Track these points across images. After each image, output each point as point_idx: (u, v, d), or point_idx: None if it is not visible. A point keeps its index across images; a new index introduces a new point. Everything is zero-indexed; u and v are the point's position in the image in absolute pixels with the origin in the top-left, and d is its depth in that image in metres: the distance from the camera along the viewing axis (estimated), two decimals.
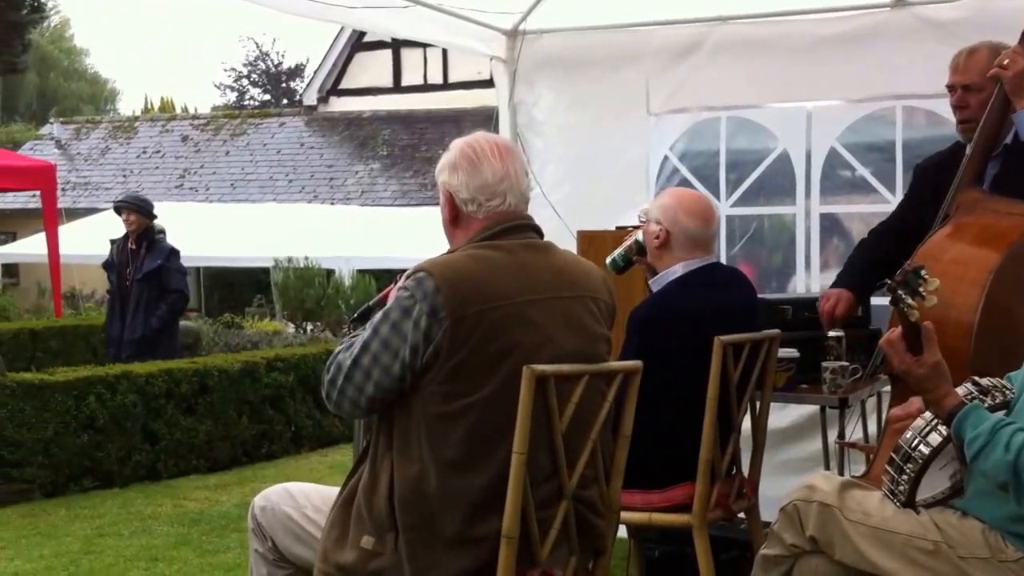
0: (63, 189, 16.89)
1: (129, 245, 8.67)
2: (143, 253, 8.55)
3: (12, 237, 19.53)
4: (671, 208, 3.71)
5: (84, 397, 6.85)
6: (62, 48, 45.93)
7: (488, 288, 2.62)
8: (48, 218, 13.61)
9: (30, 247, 16.99)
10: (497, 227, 2.75)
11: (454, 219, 2.83)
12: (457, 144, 2.85)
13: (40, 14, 19.85)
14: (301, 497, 3.27)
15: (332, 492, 3.19)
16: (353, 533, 2.76)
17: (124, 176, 22.59)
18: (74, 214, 17.59)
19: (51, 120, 27.18)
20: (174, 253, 8.84)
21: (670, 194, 3.81)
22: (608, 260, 3.96)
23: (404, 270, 2.78)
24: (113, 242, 8.97)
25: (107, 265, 8.95)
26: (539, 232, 2.84)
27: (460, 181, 2.78)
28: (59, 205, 13.95)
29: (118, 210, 8.73)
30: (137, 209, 8.68)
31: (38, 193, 14.73)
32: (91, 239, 16.65)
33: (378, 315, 2.73)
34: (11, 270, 19.01)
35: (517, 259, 2.71)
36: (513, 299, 2.64)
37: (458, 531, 2.62)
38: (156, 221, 8.91)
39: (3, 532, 5.90)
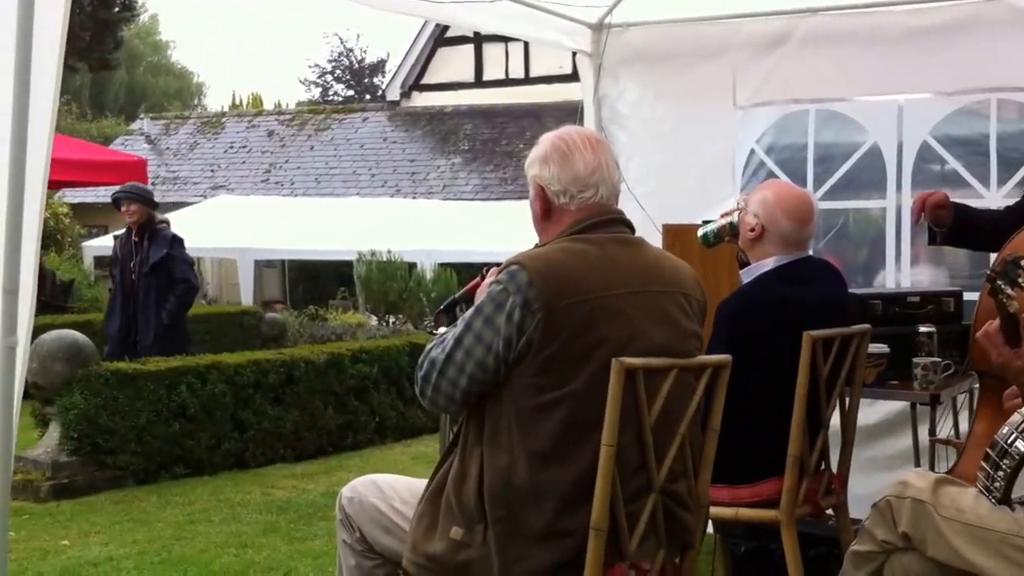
0: (152, 183, 17.16)
1: (132, 238, 8.24)
2: (147, 245, 8.10)
3: (104, 231, 19.94)
4: (771, 205, 3.68)
5: (176, 386, 6.99)
6: (148, 43, 46.74)
7: (580, 281, 2.63)
8: None
9: None
10: (589, 220, 2.76)
11: (545, 213, 2.84)
12: (547, 137, 2.86)
13: (131, 12, 20.24)
14: (388, 489, 3.29)
15: (419, 484, 3.21)
16: (442, 524, 2.78)
17: (212, 171, 22.97)
18: (164, 208, 17.88)
19: (141, 116, 27.74)
20: (178, 241, 8.32)
21: (772, 189, 3.76)
22: (700, 232, 3.96)
23: (485, 264, 2.80)
24: (116, 237, 8.68)
25: (111, 261, 8.60)
26: (630, 227, 2.84)
27: (552, 174, 2.79)
28: None
29: (117, 202, 8.23)
30: (138, 198, 8.20)
31: None
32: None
33: (469, 310, 2.75)
34: (102, 263, 19.40)
35: (608, 253, 2.71)
36: (604, 293, 2.65)
37: (547, 523, 2.63)
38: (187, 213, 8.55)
39: (97, 518, 6.04)
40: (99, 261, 18.87)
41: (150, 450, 6.85)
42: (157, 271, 7.99)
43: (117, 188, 8.38)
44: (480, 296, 2.77)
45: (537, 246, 2.84)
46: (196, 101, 47.36)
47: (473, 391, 2.71)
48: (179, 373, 7.06)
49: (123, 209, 8.15)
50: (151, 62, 46.57)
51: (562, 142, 2.82)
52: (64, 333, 6.89)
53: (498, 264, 2.80)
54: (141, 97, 42.74)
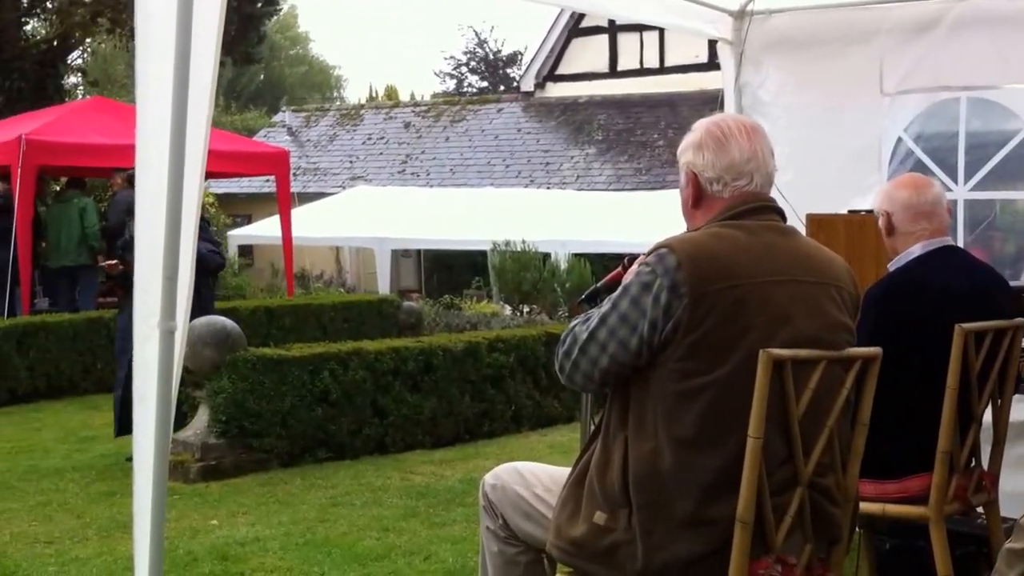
0: (294, 174, 17.57)
1: None
2: None
3: (247, 220, 20.49)
4: (884, 190, 3.77)
5: (318, 372, 7.15)
6: (288, 36, 47.73)
7: (730, 267, 2.60)
8: (282, 202, 14.27)
9: (264, 230, 17.81)
10: (741, 207, 2.73)
11: (696, 199, 2.81)
12: (702, 124, 2.84)
13: (274, 7, 20.70)
14: (531, 476, 3.31)
15: (561, 472, 3.23)
16: (586, 509, 2.79)
17: (350, 162, 23.39)
18: (304, 198, 18.32)
19: (283, 108, 28.40)
20: (204, 220, 7.24)
21: (890, 181, 3.79)
22: None
23: (620, 254, 2.79)
24: (129, 215, 8.33)
25: (125, 245, 7.42)
26: (782, 215, 2.81)
27: (706, 160, 2.77)
28: (291, 189, 14.60)
29: (131, 179, 7.42)
30: None
31: (272, 178, 15.44)
32: (320, 222, 17.37)
33: (618, 290, 2.75)
34: (247, 251, 19.95)
35: (760, 240, 2.68)
36: (754, 279, 2.62)
37: (692, 511, 2.62)
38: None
39: (244, 499, 6.22)
40: (243, 250, 19.42)
41: (294, 434, 7.02)
42: None
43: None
44: (628, 278, 2.76)
45: (688, 231, 2.82)
46: (334, 94, 48.26)
47: (612, 372, 2.71)
48: (322, 359, 7.22)
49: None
50: (290, 55, 47.56)
51: (717, 128, 2.79)
52: (213, 319, 7.10)
53: (638, 254, 2.80)
54: (280, 90, 43.71)
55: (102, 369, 10.21)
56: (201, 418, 6.91)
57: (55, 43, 17.57)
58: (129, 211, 12.58)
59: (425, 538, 5.33)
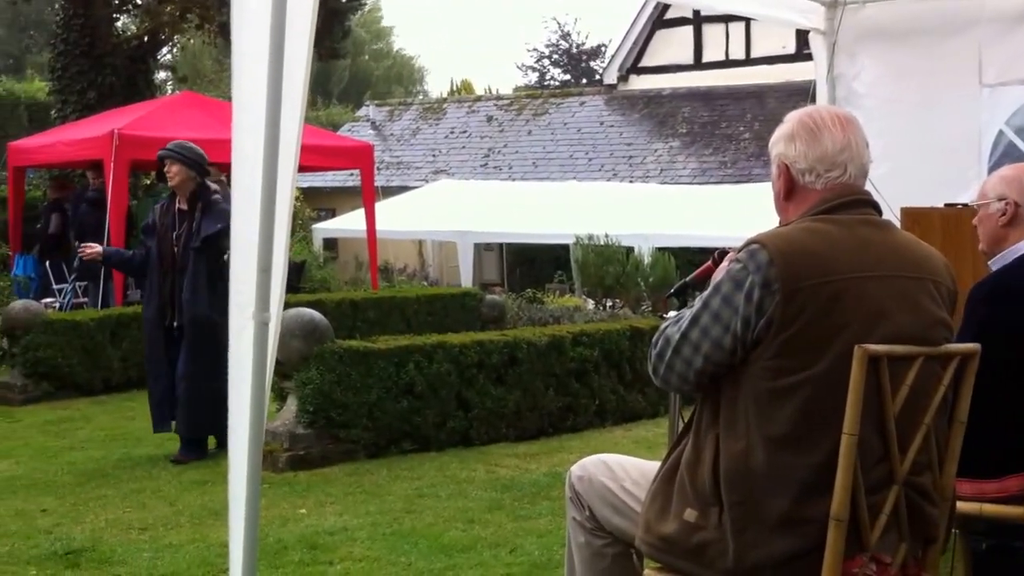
0: (377, 168, 17.73)
1: (177, 205, 7.20)
2: (198, 216, 7.08)
3: (332, 214, 20.73)
4: (1010, 176, 3.56)
5: (404, 364, 7.20)
6: (372, 31, 48.15)
7: (824, 262, 2.57)
8: (366, 195, 14.42)
9: (348, 223, 18.01)
10: (835, 200, 2.69)
11: (788, 192, 2.78)
12: (794, 115, 2.81)
13: (358, 1, 20.90)
14: (619, 469, 3.31)
15: (650, 466, 3.22)
16: (676, 506, 2.78)
17: (433, 155, 23.52)
18: (388, 192, 18.52)
19: (367, 103, 28.64)
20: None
21: (1013, 168, 3.61)
22: None
23: (704, 248, 2.77)
24: (156, 200, 7.88)
25: (147, 229, 7.40)
26: (877, 209, 2.76)
27: (798, 151, 2.74)
28: (375, 183, 14.74)
29: (161, 160, 7.21)
30: (181, 159, 7.12)
31: (356, 172, 15.60)
32: (403, 216, 17.50)
33: (708, 289, 2.73)
34: (331, 244, 20.17)
35: (855, 234, 2.65)
36: (849, 275, 2.59)
37: (786, 511, 2.59)
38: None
39: (332, 488, 6.29)
40: (328, 243, 19.64)
41: (380, 425, 7.08)
42: (210, 247, 7.00)
43: (167, 147, 7.25)
44: (719, 276, 2.74)
45: (779, 226, 2.79)
46: (417, 87, 48.58)
47: (707, 372, 2.69)
48: (407, 352, 7.27)
49: (165, 169, 7.21)
50: (373, 49, 47.96)
51: (810, 119, 2.76)
52: (302, 311, 7.19)
53: (727, 248, 2.78)
54: (364, 84, 44.12)
55: None
56: (290, 408, 7.00)
57: (145, 39, 17.90)
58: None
59: (510, 531, 5.35)
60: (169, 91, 25.13)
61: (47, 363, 9.48)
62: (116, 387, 9.88)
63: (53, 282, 13.84)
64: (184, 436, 7.20)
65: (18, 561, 4.99)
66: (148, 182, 14.74)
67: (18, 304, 9.99)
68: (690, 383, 2.75)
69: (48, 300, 12.56)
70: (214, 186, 7.37)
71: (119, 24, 17.99)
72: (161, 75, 23.96)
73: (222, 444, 6.70)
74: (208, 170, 7.33)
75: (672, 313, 3.67)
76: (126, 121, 12.64)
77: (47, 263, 13.95)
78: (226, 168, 13.77)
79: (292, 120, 3.19)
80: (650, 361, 2.84)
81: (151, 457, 7.24)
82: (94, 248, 7.53)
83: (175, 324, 7.18)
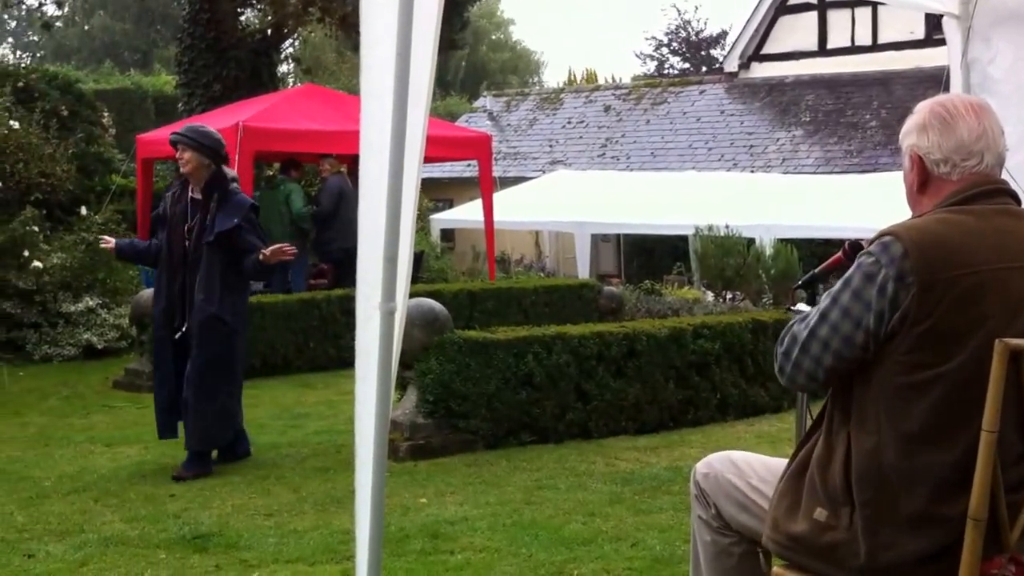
0: (495, 158, 17.77)
1: (190, 194, 6.54)
2: (213, 207, 6.43)
3: (449, 204, 20.86)
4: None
5: (523, 355, 7.19)
6: (492, 22, 48.47)
7: (960, 254, 2.50)
8: (484, 186, 14.46)
9: (465, 214, 18.09)
10: (971, 190, 2.61)
11: (922, 184, 2.71)
12: (925, 105, 2.73)
13: None
14: (745, 466, 3.26)
15: (777, 463, 3.16)
16: (805, 504, 2.73)
17: (550, 146, 23.50)
18: (504, 182, 18.54)
19: (484, 93, 28.76)
20: (255, 210, 6.64)
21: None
22: None
23: (829, 240, 2.70)
24: (168, 188, 7.04)
25: (157, 219, 6.81)
26: (1016, 198, 2.67)
27: (932, 142, 2.66)
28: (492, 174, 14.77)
29: (174, 144, 6.55)
30: (193, 144, 6.46)
31: (473, 162, 15.66)
32: (520, 206, 17.51)
33: (836, 284, 2.67)
34: (448, 235, 20.31)
35: (991, 225, 2.57)
36: (988, 267, 2.51)
37: (919, 509, 2.53)
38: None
39: (451, 478, 6.32)
40: (445, 234, 19.78)
41: (499, 416, 7.09)
42: (222, 243, 6.39)
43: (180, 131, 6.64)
44: (850, 271, 2.68)
45: (913, 218, 2.72)
46: (534, 78, 48.69)
47: (838, 369, 2.63)
48: (526, 343, 7.26)
49: (176, 155, 6.59)
50: (492, 40, 48.23)
51: (943, 108, 2.67)
52: (423, 301, 7.23)
53: (859, 240, 2.71)
54: (481, 74, 44.38)
55: (314, 348, 10.59)
56: (410, 398, 7.05)
57: (269, 33, 18.24)
58: (342, 196, 12.86)
59: (631, 525, 5.30)
60: (292, 83, 25.58)
61: None
62: None
63: None
64: (191, 448, 6.56)
65: (148, 544, 5.12)
66: (271, 173, 15.02)
67: (146, 293, 10.25)
68: (818, 381, 2.70)
69: None
70: (231, 173, 6.74)
71: (243, 18, 18.34)
72: (283, 67, 24.39)
73: (225, 456, 6.80)
74: (226, 156, 6.64)
75: (800, 305, 3.60)
76: (250, 113, 12.88)
77: None
78: (346, 159, 14.03)
79: (418, 110, 3.20)
80: (776, 360, 2.80)
81: (274, 444, 7.38)
82: (108, 241, 6.86)
83: (184, 326, 6.51)
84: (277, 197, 13.00)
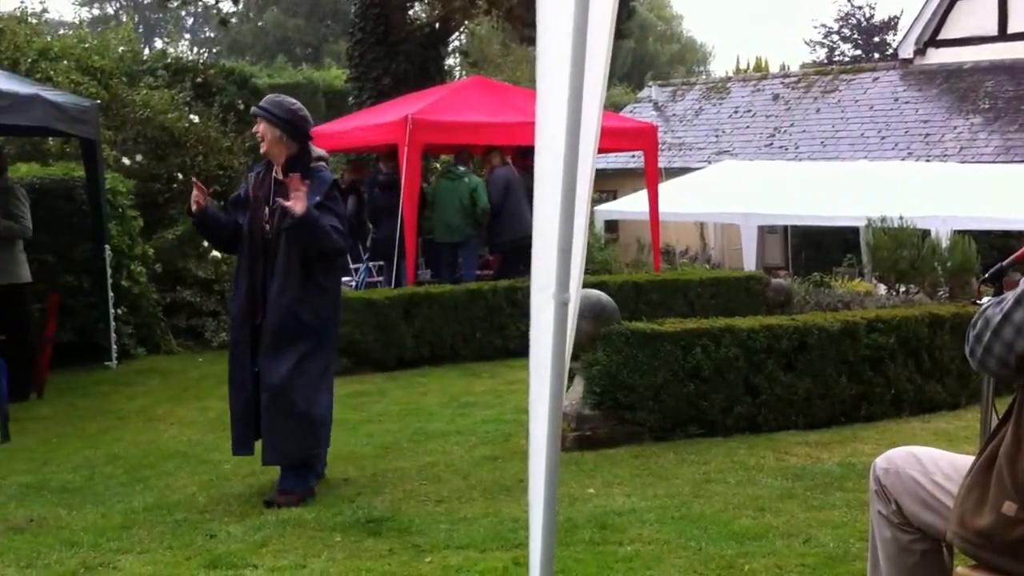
0: (660, 150, 17.65)
1: (274, 175, 5.86)
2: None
3: (612, 196, 20.80)
4: None
5: (691, 348, 7.11)
6: (662, 16, 48.30)
7: None
8: (650, 177, 14.39)
9: (630, 205, 18.02)
10: None
11: None
12: None
13: None
14: (929, 463, 3.18)
15: (963, 460, 3.07)
16: (993, 498, 2.67)
17: (716, 136, 23.21)
18: (669, 173, 18.37)
19: (649, 83, 28.58)
20: (336, 187, 5.93)
21: None
22: None
23: (1009, 232, 2.60)
24: (251, 169, 6.34)
25: (236, 202, 6.07)
26: None
27: None
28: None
29: (253, 117, 5.97)
30: (268, 116, 5.78)
31: (638, 153, 15.57)
32: (685, 197, 17.35)
33: None
34: (612, 226, 20.27)
35: None
36: None
37: None
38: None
39: (618, 470, 6.30)
40: (609, 225, 19.74)
41: (666, 408, 7.03)
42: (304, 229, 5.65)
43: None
44: None
45: None
46: (700, 68, 48.24)
47: None
48: (694, 335, 7.18)
49: (254, 130, 6.00)
50: (659, 32, 48.00)
51: None
52: (590, 292, 7.23)
53: None
54: (646, 65, 44.17)
55: (480, 338, 10.72)
56: (577, 389, 7.05)
57: (436, 26, 18.50)
58: (508, 187, 12.93)
59: (803, 521, 5.19)
60: (458, 75, 25.89)
61: (345, 339, 9.96)
62: (408, 363, 10.29)
63: (349, 261, 14.57)
64: (272, 464, 5.87)
65: (324, 527, 5.26)
66: (437, 165, 15.24)
67: None
68: (1010, 367, 2.63)
69: (345, 279, 13.20)
70: (318, 152, 5.99)
71: (411, 12, 18.65)
72: (449, 61, 24.70)
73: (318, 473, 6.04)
74: (309, 135, 5.89)
75: (986, 299, 3.47)
76: (419, 106, 13.08)
77: None
78: (511, 151, 14.10)
79: (593, 102, 3.19)
80: (967, 344, 2.74)
81: (443, 432, 7.49)
82: (200, 196, 5.82)
83: (262, 320, 5.77)
84: (459, 189, 13.11)
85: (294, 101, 5.96)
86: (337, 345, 6.16)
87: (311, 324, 5.74)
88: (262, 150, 5.88)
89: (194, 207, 5.83)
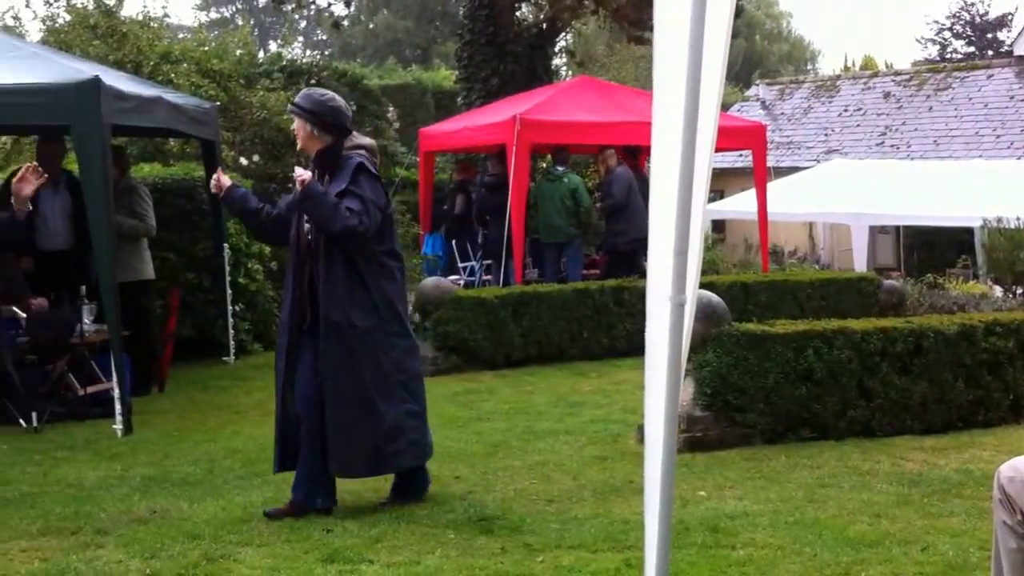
0: (769, 149, 17.45)
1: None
2: (326, 184, 5.47)
3: (719, 195, 20.62)
4: None
5: (802, 350, 7.03)
6: (770, 14, 47.80)
7: None
8: (758, 176, 14.25)
9: (737, 204, 17.85)
10: None
11: None
12: None
13: None
14: None
15: None
16: None
17: (825, 135, 22.87)
18: (777, 172, 18.16)
19: (756, 82, 28.26)
20: (364, 171, 5.51)
21: None
22: None
23: None
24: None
25: (290, 206, 5.70)
26: None
27: None
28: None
29: (290, 114, 5.88)
30: (298, 112, 5.52)
31: (745, 152, 15.42)
32: (794, 197, 17.12)
33: None
34: (719, 226, 20.10)
35: None
36: None
37: None
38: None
39: (729, 472, 6.26)
40: (716, 225, 19.59)
41: (778, 411, 6.96)
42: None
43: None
44: None
45: None
46: (809, 67, 47.58)
47: None
48: (806, 337, 7.10)
49: (292, 128, 5.85)
50: (767, 30, 47.47)
51: None
52: (701, 294, 7.14)
53: None
54: (754, 64, 43.68)
55: (587, 338, 10.74)
56: (687, 390, 7.02)
57: (544, 26, 18.54)
58: (631, 186, 12.84)
59: (920, 528, 5.11)
60: (564, 76, 25.91)
61: (455, 337, 10.09)
62: (517, 362, 10.35)
63: (458, 260, 14.69)
64: (338, 476, 5.64)
65: (437, 524, 5.32)
66: (544, 165, 15.28)
67: (429, 281, 10.67)
68: None
69: (454, 277, 13.33)
70: (362, 140, 5.76)
71: (519, 13, 18.72)
72: (555, 61, 24.72)
73: (401, 492, 5.76)
74: (343, 126, 5.54)
75: None
76: (527, 106, 13.14)
77: (453, 242, 14.82)
78: (619, 150, 14.06)
79: (710, 102, 3.19)
80: None
81: (552, 431, 7.52)
82: (220, 181, 5.68)
83: (309, 325, 5.52)
84: (559, 190, 13.12)
85: (325, 91, 5.73)
86: (411, 345, 5.75)
87: (360, 327, 5.43)
88: (298, 147, 5.71)
89: (213, 188, 5.73)
